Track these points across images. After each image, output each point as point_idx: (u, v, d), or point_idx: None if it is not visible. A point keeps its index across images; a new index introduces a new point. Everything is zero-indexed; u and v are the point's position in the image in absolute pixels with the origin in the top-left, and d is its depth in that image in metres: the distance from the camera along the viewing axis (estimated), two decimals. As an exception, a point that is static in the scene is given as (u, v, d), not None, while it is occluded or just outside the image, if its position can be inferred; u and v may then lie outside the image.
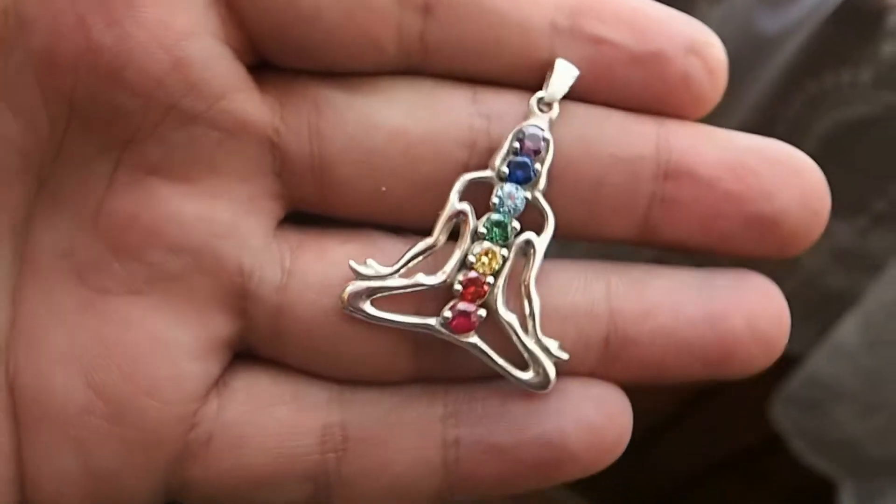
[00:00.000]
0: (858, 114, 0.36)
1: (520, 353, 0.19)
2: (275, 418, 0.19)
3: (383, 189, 0.19)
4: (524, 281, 0.19)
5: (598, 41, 0.18)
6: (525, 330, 0.19)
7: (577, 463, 0.19)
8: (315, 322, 0.19)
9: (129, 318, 0.18)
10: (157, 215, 0.18)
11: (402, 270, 0.19)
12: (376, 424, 0.19)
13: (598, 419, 0.19)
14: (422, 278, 0.19)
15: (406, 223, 0.19)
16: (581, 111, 0.19)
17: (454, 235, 0.19)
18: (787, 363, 0.44)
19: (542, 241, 0.19)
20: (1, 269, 0.18)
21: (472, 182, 0.19)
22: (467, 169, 0.19)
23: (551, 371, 0.19)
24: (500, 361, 0.19)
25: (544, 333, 0.19)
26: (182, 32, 0.17)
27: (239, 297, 0.19)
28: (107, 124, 0.18)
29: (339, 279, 0.19)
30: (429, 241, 0.19)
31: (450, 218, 0.19)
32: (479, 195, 0.19)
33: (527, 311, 0.19)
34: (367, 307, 0.19)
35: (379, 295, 0.19)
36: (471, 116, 0.19)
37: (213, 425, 0.19)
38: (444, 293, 0.19)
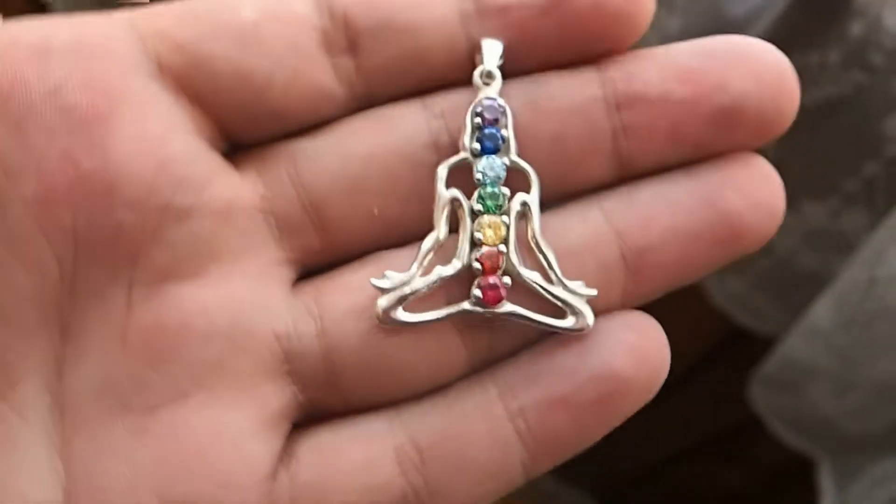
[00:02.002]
0: (828, 94, 0.36)
1: (551, 305, 0.19)
2: (348, 462, 0.19)
3: (375, 211, 0.19)
4: (531, 237, 0.19)
5: (503, 10, 0.19)
6: (550, 281, 0.19)
7: (632, 388, 0.19)
8: (364, 348, 0.19)
9: (184, 422, 0.18)
10: (181, 315, 0.19)
11: (420, 270, 0.19)
12: (442, 426, 0.19)
13: (638, 341, 0.19)
14: (441, 270, 0.19)
15: (406, 236, 0.20)
16: (519, 81, 0.20)
17: (454, 225, 0.20)
18: (762, 345, 0.44)
19: (534, 197, 0.19)
20: (42, 428, 0.18)
21: (452, 168, 0.19)
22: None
23: (587, 310, 0.19)
24: (541, 318, 0.19)
25: (567, 277, 0.19)
26: (159, 136, 0.18)
27: (283, 362, 0.19)
28: (111, 246, 0.18)
29: (368, 300, 0.19)
30: (433, 235, 0.19)
31: (444, 208, 0.19)
32: (461, 179, 0.19)
33: (544, 263, 0.19)
34: (402, 315, 0.19)
35: (409, 300, 0.19)
36: (427, 120, 0.20)
37: (292, 493, 0.19)
38: (466, 277, 0.19)
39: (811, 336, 0.40)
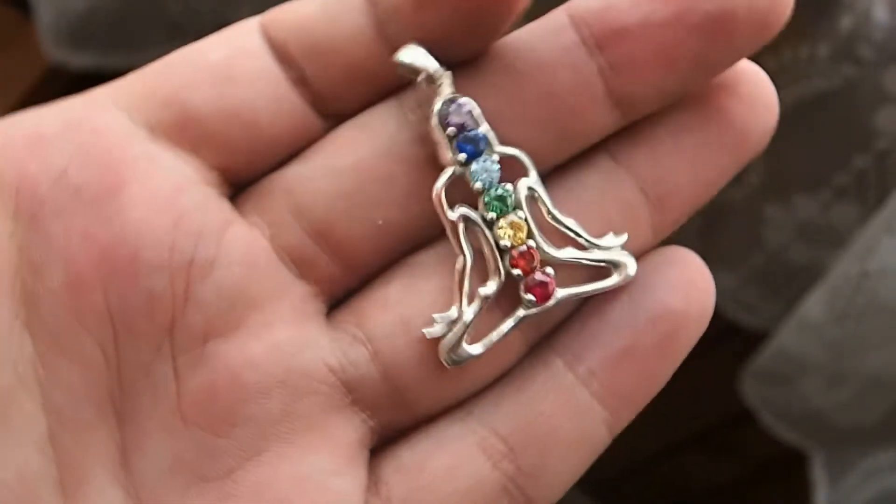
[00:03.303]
0: (818, 88, 0.36)
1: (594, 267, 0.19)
2: (435, 472, 0.19)
3: (380, 222, 0.19)
4: (548, 215, 0.19)
5: (397, 7, 0.18)
6: (583, 248, 0.19)
7: (688, 322, 0.19)
8: (421, 359, 0.19)
9: (265, 479, 0.18)
10: (231, 374, 0.18)
11: (464, 300, 0.19)
12: (519, 411, 0.19)
13: (683, 274, 0.19)
14: (484, 291, 0.19)
15: (417, 238, 0.19)
16: (472, 63, 0.19)
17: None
18: (754, 338, 0.44)
19: (534, 179, 0.19)
20: None
21: (447, 186, 0.19)
22: (433, 160, 0.19)
23: (628, 259, 0.19)
24: (591, 288, 0.19)
25: (595, 235, 0.19)
26: (170, 192, 0.18)
27: (344, 394, 0.19)
28: (147, 318, 0.18)
29: (410, 312, 0.19)
30: (461, 261, 0.19)
31: (456, 230, 0.19)
32: (457, 188, 0.19)
33: (570, 234, 0.19)
34: (469, 349, 0.19)
35: (467, 334, 0.19)
36: (404, 115, 0.19)
37: None
38: (507, 282, 0.19)
39: (803, 329, 0.40)
